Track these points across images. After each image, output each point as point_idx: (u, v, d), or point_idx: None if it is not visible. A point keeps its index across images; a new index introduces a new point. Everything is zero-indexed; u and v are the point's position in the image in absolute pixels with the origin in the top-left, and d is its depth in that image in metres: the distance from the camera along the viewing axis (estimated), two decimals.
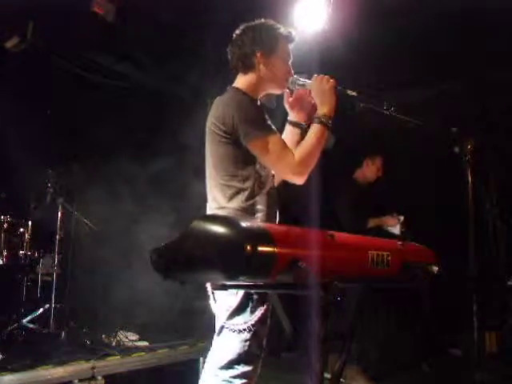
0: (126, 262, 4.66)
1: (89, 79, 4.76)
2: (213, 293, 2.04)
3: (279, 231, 1.45)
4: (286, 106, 2.18)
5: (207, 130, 2.06)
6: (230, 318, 1.93)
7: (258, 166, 2.01)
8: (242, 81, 2.12)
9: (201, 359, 3.75)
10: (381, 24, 4.09)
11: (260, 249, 1.34)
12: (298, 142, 2.09)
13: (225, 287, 1.54)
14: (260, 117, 1.99)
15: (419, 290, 4.34)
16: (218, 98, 2.08)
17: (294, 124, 2.20)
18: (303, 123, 2.19)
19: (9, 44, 4.16)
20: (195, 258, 1.43)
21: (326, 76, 2.02)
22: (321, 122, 1.97)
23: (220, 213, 1.95)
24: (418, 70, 4.71)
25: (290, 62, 2.15)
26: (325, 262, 1.49)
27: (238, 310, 1.92)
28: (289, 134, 2.20)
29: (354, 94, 1.95)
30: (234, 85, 2.13)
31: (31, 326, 3.92)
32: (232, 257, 1.33)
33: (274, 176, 2.12)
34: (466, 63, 4.49)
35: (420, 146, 4.20)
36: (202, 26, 4.43)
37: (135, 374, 3.55)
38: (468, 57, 4.43)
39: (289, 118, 2.22)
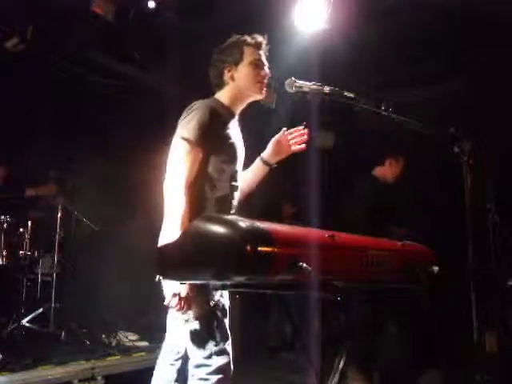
0: (126, 261, 4.66)
1: (89, 79, 4.76)
2: None
3: (279, 231, 1.45)
4: (270, 147, 2.28)
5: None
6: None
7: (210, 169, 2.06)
8: (219, 95, 2.20)
9: None
10: (381, 24, 4.09)
11: (260, 249, 1.33)
12: (261, 177, 2.29)
13: (225, 287, 1.54)
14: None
15: (419, 291, 4.30)
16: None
17: (265, 162, 2.29)
18: (273, 163, 2.30)
19: (9, 44, 4.16)
20: (195, 257, 1.43)
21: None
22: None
23: None
24: (418, 70, 4.71)
25: (262, 66, 2.18)
26: (325, 262, 1.49)
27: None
28: (256, 168, 2.32)
29: (351, 95, 1.95)
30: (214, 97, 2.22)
31: (31, 326, 3.92)
32: (232, 257, 1.33)
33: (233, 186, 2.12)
34: (467, 63, 4.49)
35: (419, 146, 4.19)
36: (202, 26, 4.43)
37: (135, 374, 3.55)
38: (468, 56, 4.43)
39: (262, 154, 2.31)
